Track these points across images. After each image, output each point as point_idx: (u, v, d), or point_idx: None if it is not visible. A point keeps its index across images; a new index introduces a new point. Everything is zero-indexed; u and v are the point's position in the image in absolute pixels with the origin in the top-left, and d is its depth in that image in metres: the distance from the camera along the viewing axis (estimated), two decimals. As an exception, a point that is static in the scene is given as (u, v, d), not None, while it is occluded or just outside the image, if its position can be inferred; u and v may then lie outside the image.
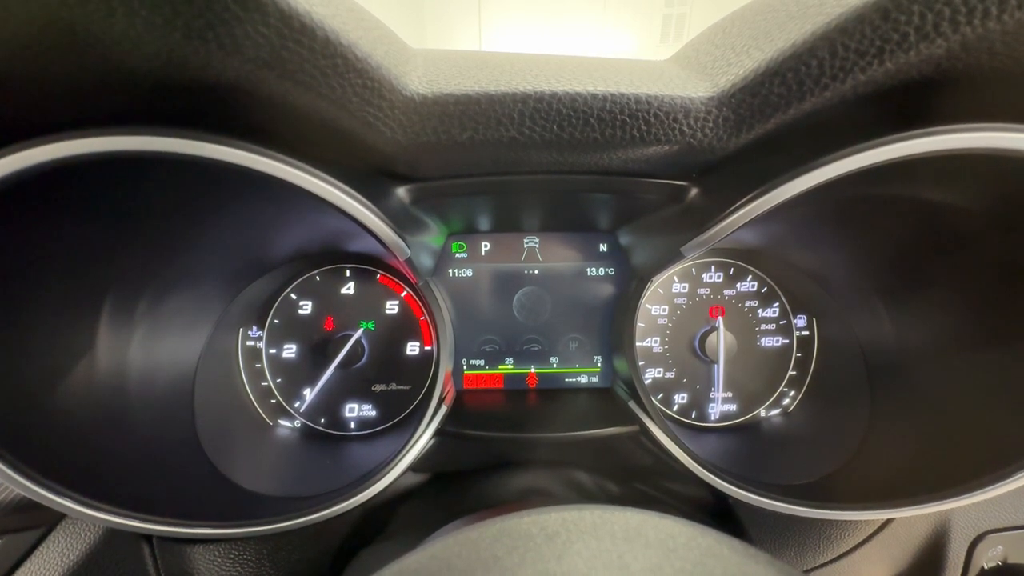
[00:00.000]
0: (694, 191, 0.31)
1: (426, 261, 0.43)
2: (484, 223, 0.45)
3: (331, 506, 0.33)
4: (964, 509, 0.36)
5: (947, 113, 0.24)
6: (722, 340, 0.45)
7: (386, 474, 0.35)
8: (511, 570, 0.14)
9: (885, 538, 0.35)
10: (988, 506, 0.36)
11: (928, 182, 0.28)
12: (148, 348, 0.35)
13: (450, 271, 0.47)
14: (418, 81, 0.24)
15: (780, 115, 0.24)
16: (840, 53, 0.20)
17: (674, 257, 0.34)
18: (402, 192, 0.31)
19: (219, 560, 0.33)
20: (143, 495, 0.30)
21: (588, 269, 0.47)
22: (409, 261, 0.34)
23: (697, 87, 0.25)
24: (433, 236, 0.43)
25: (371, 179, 0.29)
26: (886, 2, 0.20)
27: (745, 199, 0.26)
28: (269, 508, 0.34)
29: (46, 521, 0.31)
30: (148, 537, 0.32)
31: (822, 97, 0.22)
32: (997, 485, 0.30)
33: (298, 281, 0.46)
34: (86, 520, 0.28)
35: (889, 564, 0.36)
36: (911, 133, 0.23)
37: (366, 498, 0.34)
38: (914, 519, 0.35)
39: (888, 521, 0.35)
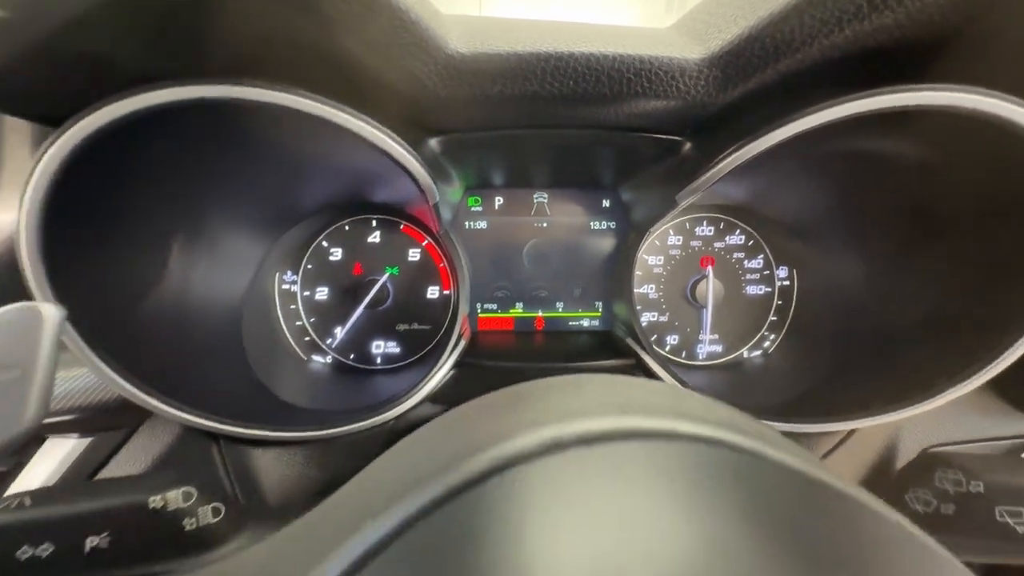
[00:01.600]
0: (687, 145, 0.36)
1: (446, 213, 0.47)
2: (499, 178, 0.49)
3: (361, 420, 0.39)
4: (910, 426, 0.41)
5: (900, 75, 0.28)
6: (711, 288, 0.50)
7: (409, 398, 0.41)
8: (537, 396, 0.18)
9: (847, 449, 0.41)
10: (928, 424, 0.41)
11: (887, 137, 0.32)
12: (206, 282, 0.40)
13: (466, 223, 0.52)
14: (457, 40, 0.28)
15: (760, 74, 0.28)
16: (807, 22, 0.25)
17: (669, 205, 0.38)
18: (434, 143, 0.36)
19: (273, 460, 0.39)
20: (211, 401, 0.36)
21: (592, 223, 0.52)
22: (436, 207, 0.38)
23: (692, 50, 0.29)
24: (453, 189, 0.47)
25: (409, 130, 0.34)
26: None
27: (729, 150, 0.31)
28: (309, 420, 0.39)
29: (130, 423, 0.37)
30: (216, 438, 0.38)
31: (794, 59, 0.27)
32: (928, 401, 0.35)
33: (329, 230, 0.50)
34: (170, 418, 0.33)
35: (850, 473, 0.42)
36: (866, 92, 0.28)
37: (391, 417, 0.40)
38: (871, 433, 0.41)
39: (850, 433, 0.41)
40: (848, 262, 0.47)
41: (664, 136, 0.36)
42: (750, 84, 0.29)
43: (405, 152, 0.31)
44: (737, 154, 0.31)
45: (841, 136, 0.32)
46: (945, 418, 0.40)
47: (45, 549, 0.25)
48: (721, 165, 0.32)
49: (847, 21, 0.24)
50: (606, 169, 0.46)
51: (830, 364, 0.47)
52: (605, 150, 0.41)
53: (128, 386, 0.32)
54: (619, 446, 0.14)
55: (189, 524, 0.28)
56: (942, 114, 0.28)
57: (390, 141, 0.30)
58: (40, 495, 0.27)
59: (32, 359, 0.19)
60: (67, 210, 0.28)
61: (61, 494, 0.27)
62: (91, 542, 0.26)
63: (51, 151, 0.25)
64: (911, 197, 0.37)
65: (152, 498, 0.27)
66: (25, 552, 0.25)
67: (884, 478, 0.42)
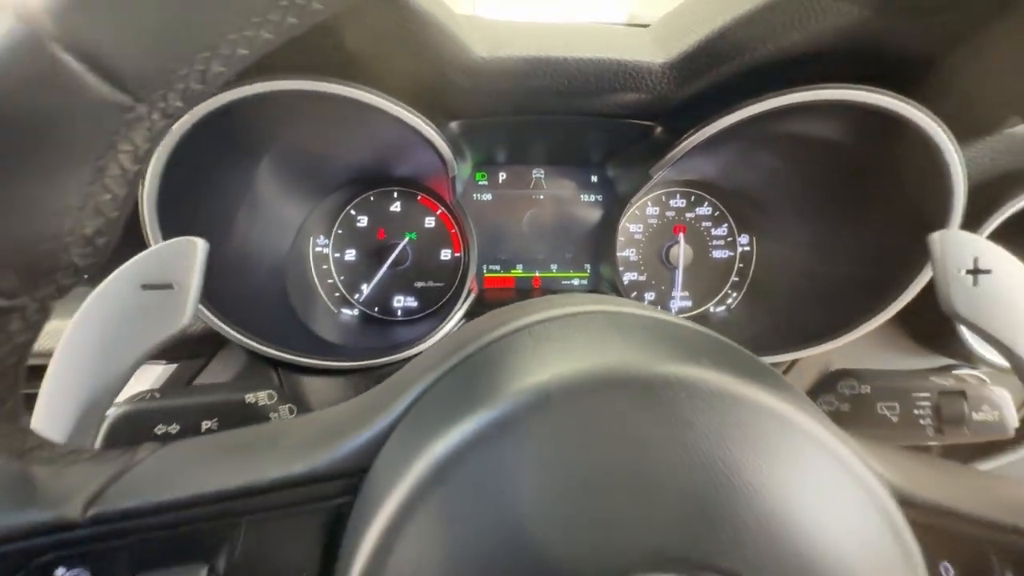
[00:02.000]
0: (658, 129, 0.44)
1: (458, 187, 0.56)
2: (502, 156, 0.58)
3: (384, 356, 0.47)
4: (837, 357, 0.51)
5: (830, 75, 0.37)
6: (682, 252, 0.59)
7: (426, 340, 0.49)
8: (536, 307, 0.26)
9: (790, 376, 0.51)
10: (850, 355, 0.51)
11: (813, 123, 0.41)
12: (260, 241, 0.49)
13: (474, 195, 0.60)
14: (479, 46, 0.36)
15: (708, 75, 0.37)
16: (741, 37, 0.33)
17: (645, 179, 0.47)
18: (454, 125, 0.44)
19: (320, 385, 0.48)
20: (271, 335, 0.44)
21: (582, 196, 0.60)
22: (453, 180, 0.47)
23: (657, 55, 0.38)
24: (466, 165, 0.56)
25: (436, 117, 0.42)
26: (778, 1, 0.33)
27: (688, 133, 0.39)
28: (346, 355, 0.48)
29: (206, 353, 0.45)
30: (275, 365, 0.46)
31: (733, 64, 0.35)
32: (849, 335, 0.45)
33: (356, 200, 0.59)
34: (243, 346, 0.42)
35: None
36: (782, 91, 0.36)
37: (412, 354, 0.48)
38: (808, 363, 0.51)
39: (792, 364, 0.51)
40: (797, 230, 0.56)
41: (639, 122, 0.44)
42: (702, 83, 0.38)
43: (435, 134, 0.40)
44: (694, 136, 0.39)
45: (777, 121, 0.40)
46: (863, 352, 0.49)
47: (174, 428, 0.34)
48: (683, 145, 0.40)
49: (772, 38, 0.33)
50: (593, 149, 0.55)
51: (779, 314, 0.56)
52: (592, 133, 0.49)
53: (215, 319, 0.40)
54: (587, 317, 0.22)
55: (273, 415, 0.37)
56: (845, 105, 0.36)
57: (424, 125, 0.39)
58: (165, 392, 0.35)
59: (187, 277, 0.27)
60: (175, 175, 0.36)
61: (180, 391, 0.36)
62: (205, 424, 0.35)
63: (175, 126, 0.34)
64: (839, 172, 0.46)
65: (247, 395, 0.36)
66: (160, 429, 0.34)
67: (811, 395, 0.52)
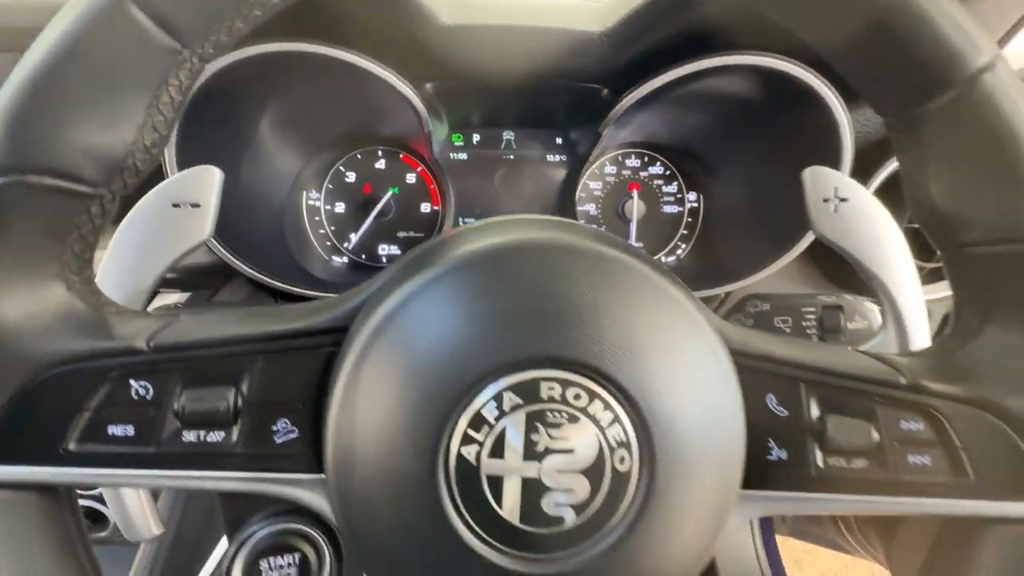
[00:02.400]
0: (605, 91, 0.51)
1: (435, 146, 0.62)
2: (476, 119, 0.64)
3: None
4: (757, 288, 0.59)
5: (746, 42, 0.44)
6: (635, 206, 0.66)
7: None
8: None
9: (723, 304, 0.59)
10: (769, 287, 0.59)
11: (735, 83, 0.48)
12: (260, 190, 0.56)
13: (451, 155, 0.67)
14: (446, 15, 0.43)
15: (642, 42, 0.43)
16: (669, 6, 0.40)
17: (596, 138, 0.54)
18: (429, 87, 0.51)
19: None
20: (273, 268, 0.51)
21: (548, 156, 0.67)
22: (429, 135, 0.53)
23: (599, 24, 0.44)
24: (442, 127, 0.62)
25: (411, 77, 0.48)
26: None
27: (623, 94, 0.46)
28: (338, 291, 0.55)
29: (214, 285, 0.53)
30: (275, 296, 0.54)
31: (656, 35, 0.42)
32: (766, 270, 0.53)
33: (344, 158, 0.65)
34: (249, 276, 0.49)
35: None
36: (712, 54, 0.43)
37: None
38: (737, 295, 0.59)
39: (726, 296, 0.59)
40: (735, 186, 0.64)
41: (589, 85, 0.51)
42: (638, 48, 0.45)
43: (412, 93, 0.47)
44: (631, 95, 0.47)
45: (703, 82, 0.47)
46: (779, 284, 0.57)
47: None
48: (622, 103, 0.47)
49: (693, 6, 0.40)
50: (556, 113, 0.61)
51: (720, 259, 0.64)
52: (552, 97, 0.56)
53: (225, 251, 0.47)
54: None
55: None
56: (753, 69, 0.44)
57: (402, 84, 0.45)
58: (185, 311, 0.43)
59: (208, 198, 0.34)
60: (191, 122, 0.42)
61: (196, 309, 0.43)
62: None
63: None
64: (760, 131, 0.54)
65: (253, 310, 0.43)
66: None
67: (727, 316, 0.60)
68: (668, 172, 0.68)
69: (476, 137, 0.66)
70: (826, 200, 0.36)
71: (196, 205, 0.33)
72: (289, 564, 0.24)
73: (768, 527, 1.08)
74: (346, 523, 0.23)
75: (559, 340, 0.21)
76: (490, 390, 0.21)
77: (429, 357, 0.21)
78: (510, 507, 0.21)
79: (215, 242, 0.46)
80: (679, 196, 0.68)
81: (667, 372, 0.22)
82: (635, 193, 0.67)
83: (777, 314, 0.44)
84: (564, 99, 0.55)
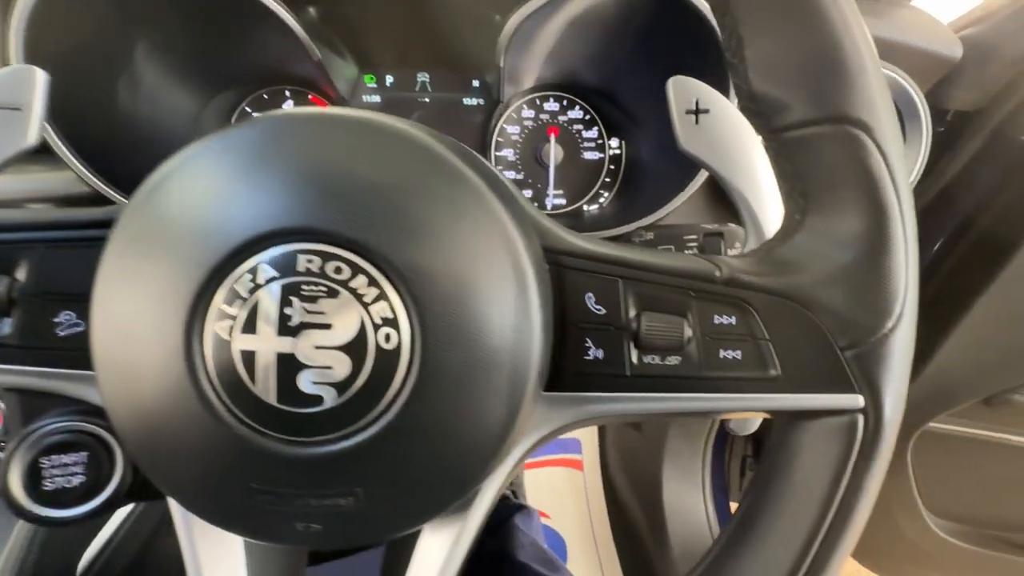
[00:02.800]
0: (497, 16, 0.50)
1: (342, 86, 0.60)
2: (387, 59, 0.62)
3: None
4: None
5: None
6: (553, 151, 0.65)
7: None
8: None
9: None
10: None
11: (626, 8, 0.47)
12: (155, 123, 0.53)
13: (364, 97, 0.64)
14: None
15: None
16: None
17: (499, 70, 0.53)
18: (312, 11, 0.49)
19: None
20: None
21: (465, 99, 0.65)
22: (320, 64, 0.51)
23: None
24: (346, 64, 0.60)
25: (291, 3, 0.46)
26: None
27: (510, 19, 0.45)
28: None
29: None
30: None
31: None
32: (670, 204, 0.52)
33: (250, 98, 0.63)
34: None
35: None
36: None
37: None
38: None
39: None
40: (657, 133, 0.63)
41: (486, 11, 0.49)
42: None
43: (288, 15, 0.44)
44: (515, 17, 0.45)
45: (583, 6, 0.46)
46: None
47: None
48: (508, 26, 0.46)
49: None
50: (466, 51, 0.60)
51: (639, 203, 0.63)
52: (460, 31, 0.54)
53: (105, 185, 0.45)
54: None
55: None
56: None
57: (278, 7, 0.43)
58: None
59: (30, 101, 0.31)
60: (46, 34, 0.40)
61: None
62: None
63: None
64: (667, 61, 0.52)
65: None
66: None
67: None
68: (588, 117, 0.66)
69: (389, 78, 0.64)
70: (688, 112, 0.35)
71: (16, 108, 0.31)
72: (75, 463, 0.23)
73: (720, 488, 1.11)
74: (113, 413, 0.22)
75: (320, 211, 0.20)
76: (247, 264, 0.20)
77: (185, 231, 0.20)
78: (264, 384, 0.20)
79: (96, 177, 0.44)
80: (600, 142, 0.67)
81: (448, 255, 0.21)
82: (552, 137, 0.65)
83: (660, 243, 0.43)
84: (466, 33, 0.53)
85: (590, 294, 0.25)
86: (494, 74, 0.61)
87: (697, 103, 0.34)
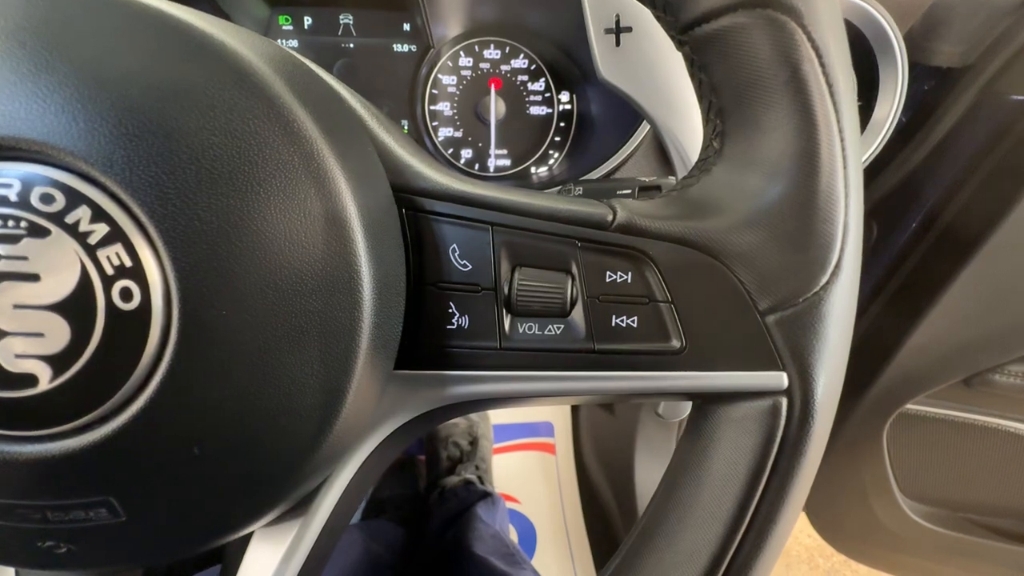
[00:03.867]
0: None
1: (249, 26, 0.52)
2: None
3: None
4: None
5: None
6: (493, 105, 0.58)
7: None
8: None
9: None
10: None
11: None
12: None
13: (278, 41, 0.57)
14: None
15: None
16: None
17: (417, 13, 0.45)
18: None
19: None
20: None
21: (394, 45, 0.58)
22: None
23: None
24: (254, 2, 0.52)
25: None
26: None
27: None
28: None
29: None
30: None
31: None
32: (613, 160, 0.46)
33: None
34: None
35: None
36: None
37: None
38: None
39: None
40: (602, 89, 0.56)
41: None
42: None
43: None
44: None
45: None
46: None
47: None
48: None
49: None
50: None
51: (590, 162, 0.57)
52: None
53: None
54: None
55: None
56: None
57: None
58: None
59: None
60: None
61: None
62: None
63: None
64: None
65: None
66: None
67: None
68: (534, 67, 0.59)
69: (308, 20, 0.56)
70: (607, 31, 0.28)
71: None
72: None
73: None
74: None
75: (20, 107, 0.14)
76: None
77: None
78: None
79: None
80: (547, 96, 0.60)
81: (223, 182, 0.15)
82: (494, 90, 0.58)
83: (590, 196, 0.37)
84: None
85: (454, 246, 0.20)
86: (423, 15, 0.53)
87: (618, 20, 0.28)
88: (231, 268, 0.15)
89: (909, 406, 0.77)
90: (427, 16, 0.48)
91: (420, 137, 0.57)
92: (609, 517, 1.16)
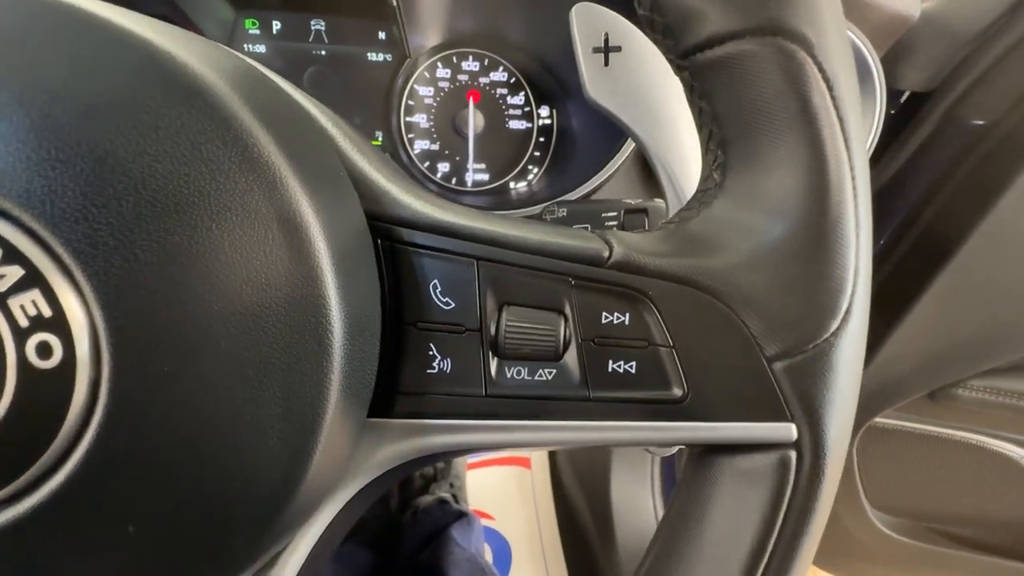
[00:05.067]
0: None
1: (214, 29, 0.49)
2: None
3: None
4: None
5: None
6: (471, 118, 0.56)
7: None
8: None
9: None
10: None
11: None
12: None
13: (245, 46, 0.54)
14: None
15: None
16: None
17: (391, 22, 0.43)
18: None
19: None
20: None
21: (369, 54, 0.56)
22: (173, 2, 0.41)
23: None
24: (222, 5, 0.49)
25: None
26: None
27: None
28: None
29: None
30: None
31: None
32: (597, 176, 0.45)
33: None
34: None
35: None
36: None
37: None
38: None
39: None
40: (584, 104, 0.55)
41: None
42: None
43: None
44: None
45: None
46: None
47: None
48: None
49: None
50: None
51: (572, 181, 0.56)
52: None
53: None
54: None
55: None
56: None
57: None
58: None
59: None
60: None
61: None
62: None
63: None
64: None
65: None
66: None
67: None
68: (513, 80, 0.58)
69: (276, 24, 0.54)
70: (596, 50, 0.27)
71: None
72: None
73: (670, 484, 1.06)
74: None
75: None
76: None
77: None
78: None
79: None
80: (527, 110, 0.59)
81: (165, 212, 0.13)
82: (472, 103, 0.57)
83: (576, 221, 0.36)
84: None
85: (435, 282, 0.18)
86: (400, 27, 0.51)
87: (606, 39, 0.26)
88: (175, 317, 0.12)
89: (877, 419, 0.78)
90: (404, 25, 0.46)
91: (395, 150, 0.55)
92: (584, 530, 1.15)
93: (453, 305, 0.17)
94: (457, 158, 0.59)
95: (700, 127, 0.18)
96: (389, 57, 0.56)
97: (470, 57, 0.57)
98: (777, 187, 0.16)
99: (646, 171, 0.49)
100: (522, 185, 0.61)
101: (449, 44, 0.56)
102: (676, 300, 0.17)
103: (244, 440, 0.14)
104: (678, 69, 0.18)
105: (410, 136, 0.57)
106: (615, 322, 0.17)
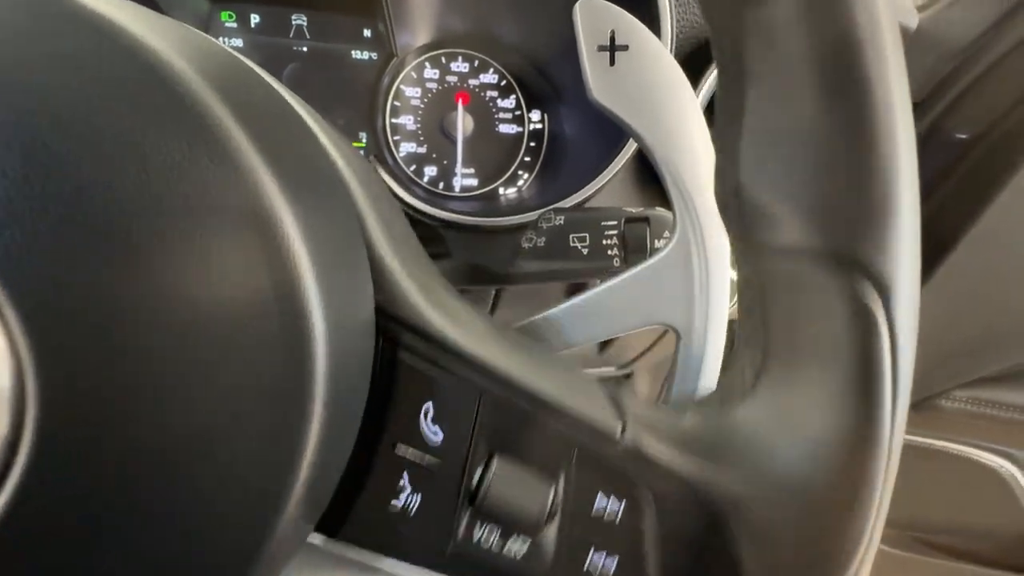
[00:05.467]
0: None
1: (187, 21, 0.46)
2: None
3: None
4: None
5: None
6: (460, 121, 0.54)
7: None
8: None
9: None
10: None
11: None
12: None
13: (220, 39, 0.51)
14: None
15: None
16: None
17: (380, 20, 0.41)
18: None
19: None
20: None
21: (353, 52, 0.53)
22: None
23: None
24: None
25: None
26: None
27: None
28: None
29: None
30: None
31: None
32: (591, 185, 0.43)
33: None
34: None
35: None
36: None
37: None
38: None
39: None
40: (581, 104, 0.53)
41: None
42: None
43: None
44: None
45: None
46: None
47: None
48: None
49: None
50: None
51: (564, 188, 0.54)
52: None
53: None
54: None
55: None
56: None
57: None
58: None
59: None
60: None
61: None
62: None
63: None
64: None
65: None
66: None
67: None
68: (504, 82, 0.56)
69: (255, 18, 0.51)
70: (601, 48, 0.25)
71: None
72: None
73: None
74: None
75: None
76: None
77: None
78: None
79: None
80: (518, 114, 0.57)
81: (116, 245, 0.11)
82: (461, 105, 0.55)
83: (573, 230, 0.34)
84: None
85: (428, 405, 0.16)
86: (394, 18, 0.49)
87: (613, 36, 0.25)
88: (126, 386, 0.10)
89: (863, 430, 0.79)
90: (391, 22, 0.44)
91: (380, 151, 0.52)
92: None
93: (440, 436, 0.15)
94: (445, 162, 0.56)
95: (745, 319, 0.17)
96: (374, 56, 0.53)
97: (460, 58, 0.55)
98: (813, 422, 0.15)
99: (642, 178, 0.47)
100: (512, 191, 0.59)
101: (438, 44, 0.54)
102: (678, 505, 0.15)
103: (177, 545, 0.11)
104: (740, 257, 0.17)
105: (396, 138, 0.55)
106: (608, 508, 0.16)
